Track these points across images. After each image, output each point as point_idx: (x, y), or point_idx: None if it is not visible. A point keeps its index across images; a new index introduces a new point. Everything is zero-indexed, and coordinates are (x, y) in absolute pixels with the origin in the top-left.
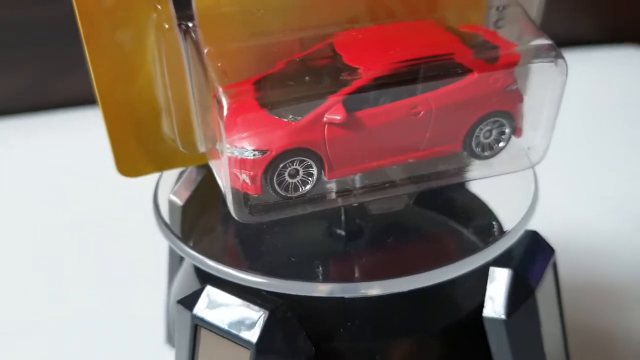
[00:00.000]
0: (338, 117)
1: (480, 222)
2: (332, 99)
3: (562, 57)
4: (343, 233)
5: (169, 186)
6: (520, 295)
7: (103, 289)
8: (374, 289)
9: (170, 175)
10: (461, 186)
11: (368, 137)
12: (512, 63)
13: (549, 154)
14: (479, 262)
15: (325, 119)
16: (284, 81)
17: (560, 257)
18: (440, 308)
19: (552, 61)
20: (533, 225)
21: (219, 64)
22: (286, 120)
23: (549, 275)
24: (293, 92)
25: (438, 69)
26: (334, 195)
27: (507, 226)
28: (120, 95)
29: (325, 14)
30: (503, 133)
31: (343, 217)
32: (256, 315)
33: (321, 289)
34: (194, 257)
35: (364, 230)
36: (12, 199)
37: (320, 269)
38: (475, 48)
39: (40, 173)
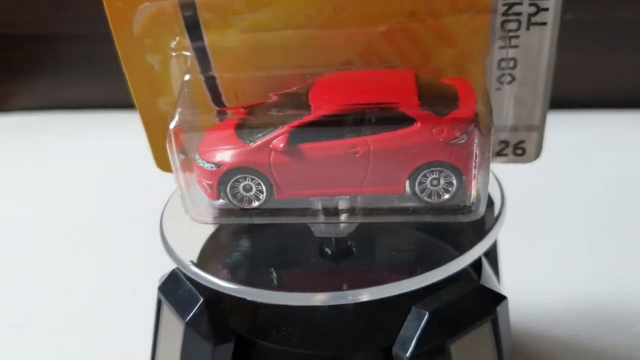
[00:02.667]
0: (280, 145)
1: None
2: (281, 129)
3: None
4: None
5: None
6: (433, 340)
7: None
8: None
9: None
10: None
11: (310, 167)
12: (458, 119)
13: None
14: (406, 289)
15: (271, 146)
16: (262, 109)
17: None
18: (376, 328)
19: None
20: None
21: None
22: (244, 142)
23: (483, 329)
24: (257, 119)
25: (378, 116)
26: (288, 213)
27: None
28: (154, 106)
29: (321, 56)
30: (451, 184)
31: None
32: (194, 301)
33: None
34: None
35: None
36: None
37: (274, 276)
38: (427, 100)
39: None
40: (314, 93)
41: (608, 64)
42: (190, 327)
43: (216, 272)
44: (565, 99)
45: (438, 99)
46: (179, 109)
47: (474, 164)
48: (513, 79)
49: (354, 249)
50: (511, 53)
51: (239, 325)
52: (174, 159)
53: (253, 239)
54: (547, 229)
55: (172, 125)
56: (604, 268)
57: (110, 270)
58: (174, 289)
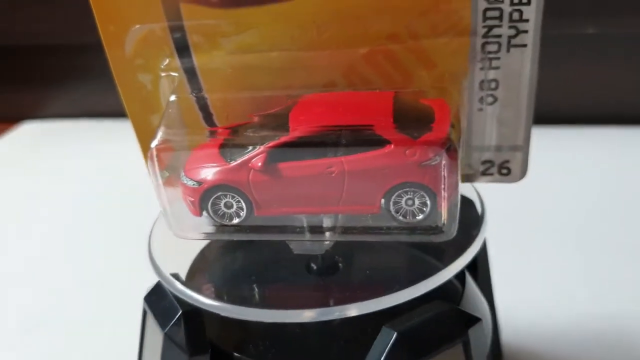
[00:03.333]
0: (259, 164)
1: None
2: (259, 149)
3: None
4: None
5: None
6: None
7: None
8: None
9: None
10: None
11: (287, 186)
12: (430, 142)
13: None
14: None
15: (250, 165)
16: (245, 129)
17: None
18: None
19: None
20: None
21: (222, 108)
22: (226, 161)
23: (455, 352)
24: (238, 139)
25: (353, 137)
26: (267, 230)
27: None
28: (147, 122)
29: (306, 77)
30: (425, 204)
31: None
32: (174, 312)
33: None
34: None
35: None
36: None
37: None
38: (402, 122)
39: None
40: (294, 114)
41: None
42: (169, 337)
43: (196, 287)
44: (594, 114)
45: (413, 121)
46: (161, 128)
47: (444, 185)
48: (495, 99)
49: (340, 265)
50: (492, 74)
51: (218, 337)
52: (155, 176)
53: (240, 255)
54: (542, 247)
55: (153, 144)
56: (599, 286)
57: (121, 275)
58: (158, 300)
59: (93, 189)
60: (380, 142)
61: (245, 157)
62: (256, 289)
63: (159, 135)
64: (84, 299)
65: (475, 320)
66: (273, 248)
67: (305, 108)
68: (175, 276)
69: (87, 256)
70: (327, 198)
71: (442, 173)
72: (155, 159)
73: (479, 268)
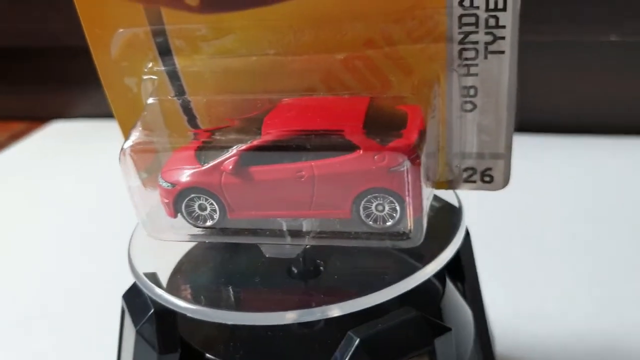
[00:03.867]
0: (230, 167)
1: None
2: (232, 152)
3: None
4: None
5: None
6: None
7: None
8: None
9: None
10: None
11: (258, 189)
12: (399, 148)
13: None
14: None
15: (222, 167)
16: (222, 133)
17: None
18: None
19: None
20: None
21: (205, 111)
22: (200, 163)
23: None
24: (214, 142)
25: (322, 142)
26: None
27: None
28: (133, 124)
29: (286, 81)
30: (395, 210)
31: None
32: (146, 311)
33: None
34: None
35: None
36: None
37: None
38: (372, 128)
39: None
40: (268, 118)
41: None
42: (140, 335)
43: (170, 288)
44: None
45: (384, 127)
46: (135, 130)
47: (409, 191)
48: (474, 106)
49: (321, 268)
50: (471, 81)
51: (191, 337)
52: (127, 176)
53: (223, 259)
54: (532, 256)
55: (125, 145)
56: (593, 294)
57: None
58: (134, 299)
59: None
60: (349, 147)
61: (218, 160)
62: (230, 292)
63: (132, 136)
64: (97, 293)
65: (444, 329)
66: (257, 252)
67: (280, 112)
68: (151, 276)
69: (109, 251)
70: (298, 202)
71: (413, 179)
72: (127, 159)
73: (466, 276)
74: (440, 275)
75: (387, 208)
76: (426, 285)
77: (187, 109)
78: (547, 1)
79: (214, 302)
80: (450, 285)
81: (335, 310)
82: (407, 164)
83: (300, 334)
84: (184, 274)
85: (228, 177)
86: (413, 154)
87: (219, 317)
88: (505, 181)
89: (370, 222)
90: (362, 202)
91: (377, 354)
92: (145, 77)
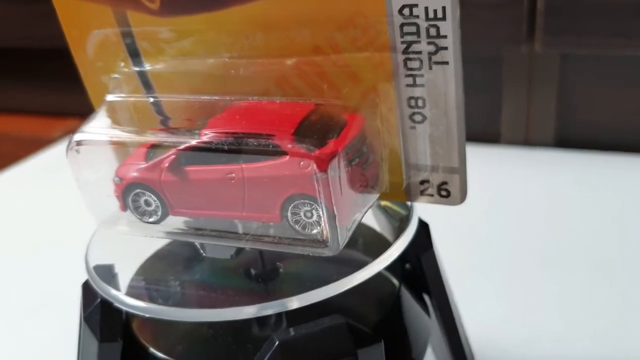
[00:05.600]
0: (166, 166)
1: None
2: (171, 152)
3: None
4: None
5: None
6: None
7: None
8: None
9: None
10: None
11: (194, 188)
12: (328, 154)
13: None
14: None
15: (162, 165)
16: (174, 132)
17: None
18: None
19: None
20: None
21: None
22: (146, 160)
23: None
24: (163, 140)
25: (252, 145)
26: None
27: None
28: None
29: (242, 84)
30: (320, 217)
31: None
32: (94, 299)
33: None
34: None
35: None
36: None
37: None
38: (303, 134)
39: None
40: (213, 120)
41: None
42: (85, 322)
43: (117, 282)
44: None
45: (315, 134)
46: (86, 125)
47: (322, 198)
48: (424, 118)
49: (280, 270)
50: (418, 92)
51: (141, 330)
52: (73, 168)
53: (188, 260)
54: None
55: (74, 138)
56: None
57: None
58: (89, 288)
59: None
60: (277, 152)
61: (159, 158)
62: (173, 289)
63: (81, 131)
64: None
65: (371, 339)
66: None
67: (225, 114)
68: (102, 268)
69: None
70: (231, 203)
71: (334, 186)
72: (73, 152)
73: (432, 290)
74: (391, 286)
75: (314, 215)
76: (377, 296)
77: (157, 107)
78: (590, 14)
79: (154, 298)
80: (407, 297)
81: (252, 310)
82: (317, 172)
83: (240, 332)
84: (143, 271)
85: (167, 175)
86: (326, 163)
87: (152, 312)
88: (463, 196)
89: (299, 228)
90: (290, 208)
91: (293, 357)
92: (113, 75)
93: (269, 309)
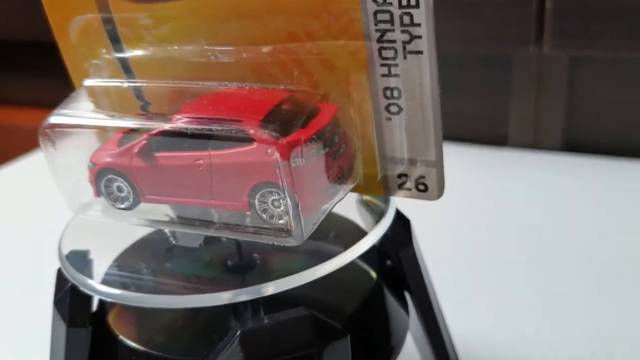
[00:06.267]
0: (135, 151)
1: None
2: (142, 137)
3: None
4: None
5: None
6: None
7: None
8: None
9: None
10: None
11: (163, 174)
12: (291, 142)
13: None
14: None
15: (132, 151)
16: (148, 117)
17: None
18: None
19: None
20: None
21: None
22: (121, 145)
23: None
24: (133, 124)
25: (220, 132)
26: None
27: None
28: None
29: (220, 71)
30: (287, 206)
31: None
32: (64, 285)
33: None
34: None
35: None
36: None
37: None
38: (271, 121)
39: None
40: (185, 105)
41: None
42: (55, 307)
43: (83, 267)
44: None
45: (284, 122)
46: (59, 109)
47: (285, 187)
48: (400, 109)
49: (257, 262)
50: (394, 82)
51: (115, 319)
52: (46, 152)
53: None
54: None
55: (45, 122)
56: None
57: None
58: (63, 274)
59: None
60: (241, 138)
61: (130, 144)
62: (143, 276)
63: (53, 115)
64: None
65: (336, 334)
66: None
67: (198, 100)
68: (74, 254)
69: None
70: (199, 191)
71: (282, 174)
72: (45, 136)
73: (412, 287)
74: (368, 282)
75: (282, 205)
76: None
77: (138, 94)
78: (600, 15)
79: (127, 285)
80: (383, 293)
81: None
82: (279, 160)
83: (207, 322)
84: (122, 259)
85: (137, 160)
86: (289, 150)
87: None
88: (440, 191)
89: (267, 217)
90: (257, 196)
91: (255, 348)
92: (93, 61)
93: (231, 298)
